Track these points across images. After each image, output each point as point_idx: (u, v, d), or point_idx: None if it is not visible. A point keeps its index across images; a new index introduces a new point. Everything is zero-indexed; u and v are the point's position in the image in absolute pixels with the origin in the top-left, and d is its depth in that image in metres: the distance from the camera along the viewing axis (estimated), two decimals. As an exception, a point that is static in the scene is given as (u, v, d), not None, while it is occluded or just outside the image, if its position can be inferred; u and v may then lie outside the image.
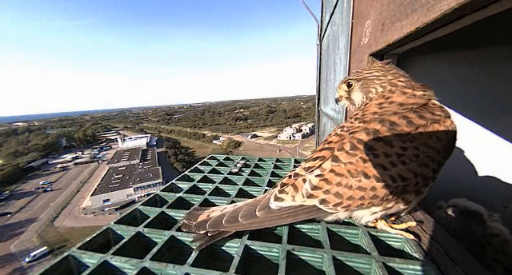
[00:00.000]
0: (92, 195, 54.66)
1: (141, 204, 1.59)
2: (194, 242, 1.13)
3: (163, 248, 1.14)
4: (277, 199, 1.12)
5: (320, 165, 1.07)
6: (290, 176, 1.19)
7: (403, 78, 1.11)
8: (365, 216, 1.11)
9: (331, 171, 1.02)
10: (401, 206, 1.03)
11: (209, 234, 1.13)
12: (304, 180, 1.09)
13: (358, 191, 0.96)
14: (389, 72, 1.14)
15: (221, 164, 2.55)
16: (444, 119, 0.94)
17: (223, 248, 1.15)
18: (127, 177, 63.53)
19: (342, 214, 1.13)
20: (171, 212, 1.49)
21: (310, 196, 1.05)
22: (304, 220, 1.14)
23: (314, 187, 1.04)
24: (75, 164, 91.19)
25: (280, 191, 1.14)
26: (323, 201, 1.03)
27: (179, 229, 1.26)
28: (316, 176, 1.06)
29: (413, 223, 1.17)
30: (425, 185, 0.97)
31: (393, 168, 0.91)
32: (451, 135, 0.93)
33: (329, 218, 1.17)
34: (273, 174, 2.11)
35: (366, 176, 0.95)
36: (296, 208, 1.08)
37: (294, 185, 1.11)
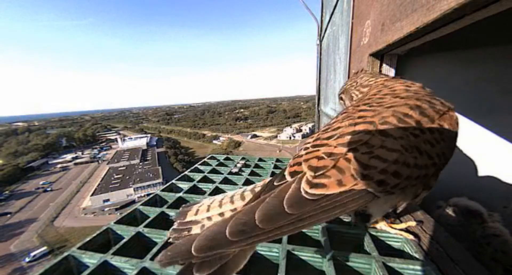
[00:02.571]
0: (92, 195, 54.62)
1: (141, 204, 1.59)
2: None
3: (163, 248, 1.13)
4: (314, 186, 0.81)
5: (360, 140, 0.87)
6: (311, 155, 0.91)
7: (369, 76, 1.33)
8: (378, 211, 1.03)
9: (382, 147, 0.84)
10: (416, 199, 0.99)
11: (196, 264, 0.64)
12: (347, 159, 0.85)
13: (415, 169, 0.85)
14: (358, 77, 1.38)
15: (221, 164, 2.55)
16: (451, 112, 0.96)
17: (223, 248, 1.15)
18: (127, 177, 63.49)
19: (386, 201, 0.97)
20: (171, 212, 1.49)
21: (364, 177, 0.81)
22: (351, 211, 0.85)
23: (367, 167, 0.82)
24: (75, 164, 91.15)
25: (316, 176, 0.83)
26: (381, 183, 0.82)
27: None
28: (363, 153, 0.84)
29: (413, 223, 1.17)
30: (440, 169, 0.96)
31: (437, 145, 0.89)
32: (458, 127, 0.96)
33: (371, 209, 1.02)
34: (273, 174, 2.11)
35: (420, 152, 0.86)
36: (342, 196, 0.81)
37: (336, 166, 0.85)
